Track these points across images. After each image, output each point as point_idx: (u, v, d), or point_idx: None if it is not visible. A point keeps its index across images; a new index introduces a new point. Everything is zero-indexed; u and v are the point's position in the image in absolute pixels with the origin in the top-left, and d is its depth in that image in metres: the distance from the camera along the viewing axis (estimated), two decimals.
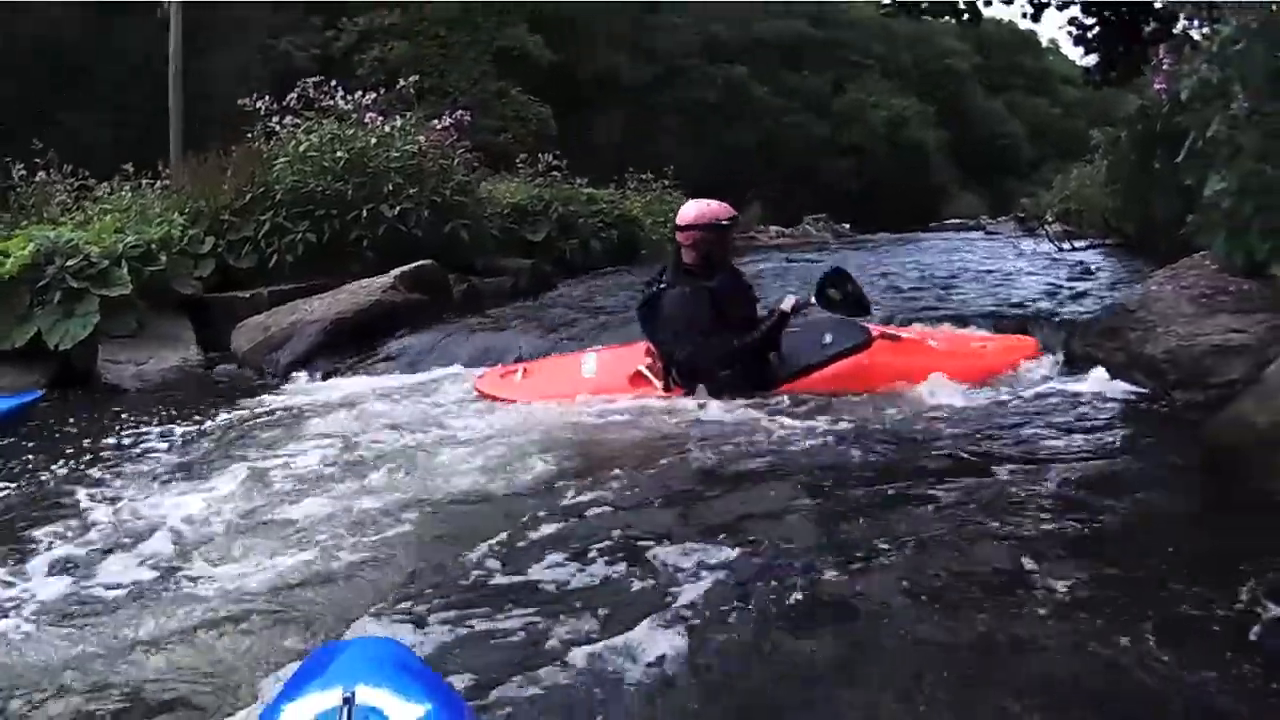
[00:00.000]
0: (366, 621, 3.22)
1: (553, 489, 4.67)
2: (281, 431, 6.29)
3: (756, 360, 6.41)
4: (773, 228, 34.94)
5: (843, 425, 5.53)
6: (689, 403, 6.15)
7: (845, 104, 52.43)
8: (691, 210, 6.63)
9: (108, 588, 3.69)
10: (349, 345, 9.19)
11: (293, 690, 1.84)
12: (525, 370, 7.07)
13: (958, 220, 43.85)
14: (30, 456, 5.94)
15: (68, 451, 6.01)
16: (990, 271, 13.41)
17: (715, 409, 5.98)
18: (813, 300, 6.60)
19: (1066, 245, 15.30)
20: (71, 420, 7.03)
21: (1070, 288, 10.47)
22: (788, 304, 6.49)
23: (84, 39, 21.41)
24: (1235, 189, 5.33)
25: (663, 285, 6.50)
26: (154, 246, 10.30)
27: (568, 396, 6.44)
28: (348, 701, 1.66)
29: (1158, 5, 13.93)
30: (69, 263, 9.20)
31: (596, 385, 6.58)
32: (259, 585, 3.57)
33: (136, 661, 3.06)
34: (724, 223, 6.57)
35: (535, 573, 3.60)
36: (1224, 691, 2.58)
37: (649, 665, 2.85)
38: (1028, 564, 3.37)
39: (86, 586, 3.71)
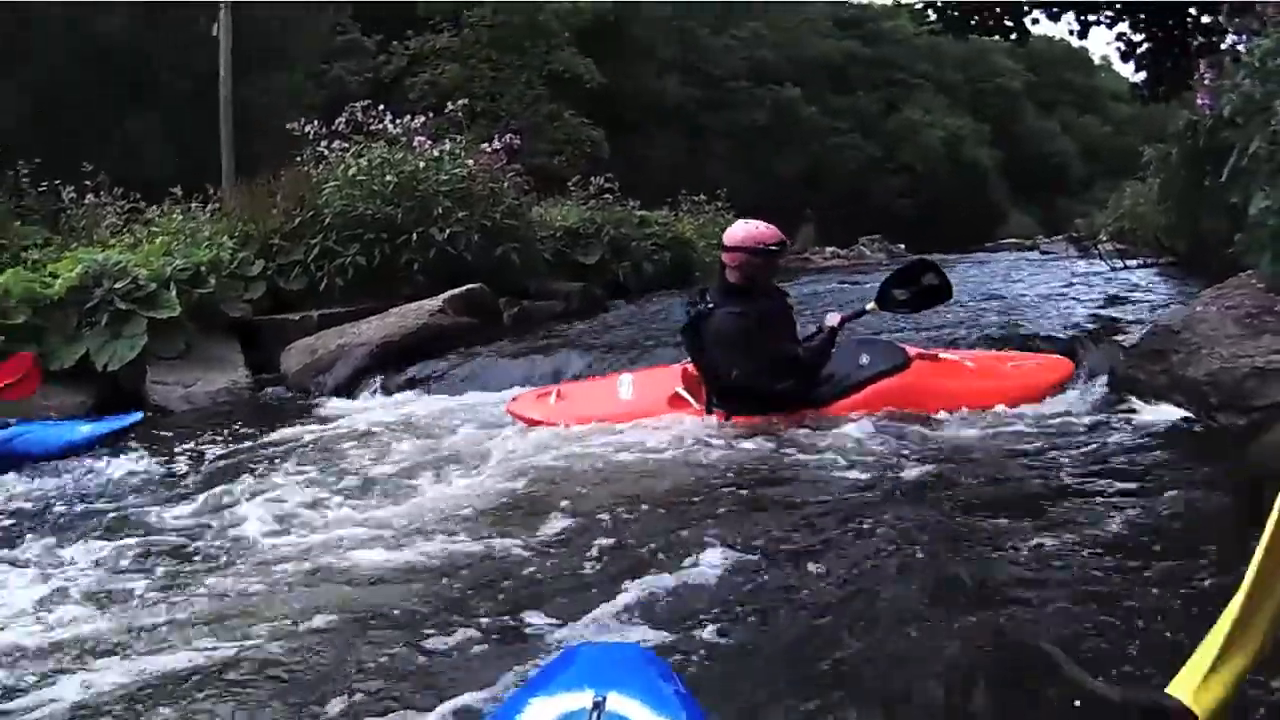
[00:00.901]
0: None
1: (592, 511, 4.67)
2: (321, 455, 6.35)
3: (807, 377, 6.34)
4: (827, 249, 34.95)
5: (880, 447, 5.53)
6: (731, 424, 6.14)
7: (898, 124, 52.15)
8: (739, 231, 6.48)
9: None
10: (396, 368, 9.22)
11: (541, 684, 1.74)
12: (559, 393, 6.94)
13: (1013, 240, 43.40)
14: (76, 472, 6.19)
15: (110, 472, 6.19)
16: (1045, 294, 13.25)
17: (756, 429, 5.98)
18: (869, 307, 6.64)
19: (1120, 265, 15.19)
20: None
21: (1120, 308, 10.35)
22: (833, 319, 6.50)
23: (137, 56, 21.47)
24: (1279, 206, 5.25)
25: (709, 305, 6.35)
26: (203, 269, 10.43)
27: (604, 419, 6.39)
28: (598, 706, 1.56)
29: (1204, 20, 13.80)
30: (117, 285, 9.34)
31: (633, 408, 6.51)
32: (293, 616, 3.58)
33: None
34: (771, 248, 6.43)
35: (576, 591, 3.65)
36: None
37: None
38: (1055, 591, 3.34)
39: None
